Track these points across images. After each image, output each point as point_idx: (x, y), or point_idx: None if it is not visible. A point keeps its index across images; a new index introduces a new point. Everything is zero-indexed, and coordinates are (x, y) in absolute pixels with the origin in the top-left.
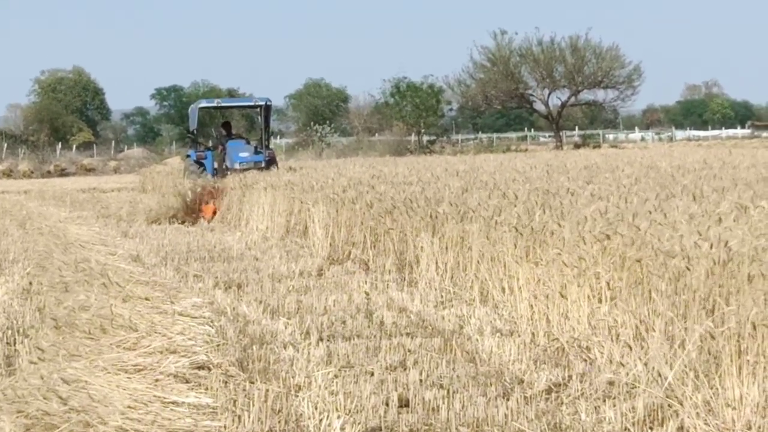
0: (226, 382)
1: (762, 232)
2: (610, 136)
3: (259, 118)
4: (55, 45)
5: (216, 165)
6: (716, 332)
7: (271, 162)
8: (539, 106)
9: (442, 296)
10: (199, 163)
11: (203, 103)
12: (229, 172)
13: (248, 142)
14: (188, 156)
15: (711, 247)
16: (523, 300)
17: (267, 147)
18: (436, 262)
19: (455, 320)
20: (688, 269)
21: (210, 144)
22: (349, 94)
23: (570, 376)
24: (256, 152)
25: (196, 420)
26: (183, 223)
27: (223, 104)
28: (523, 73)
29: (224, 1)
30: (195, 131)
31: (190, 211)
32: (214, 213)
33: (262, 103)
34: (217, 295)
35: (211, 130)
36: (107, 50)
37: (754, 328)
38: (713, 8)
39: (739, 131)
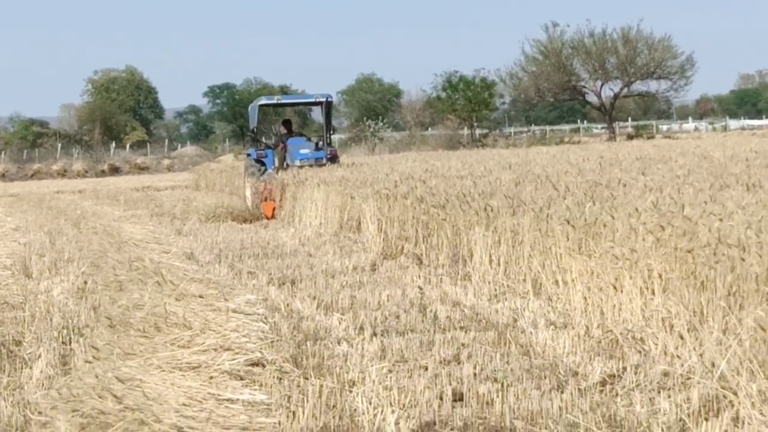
0: (280, 379)
1: None
2: (664, 127)
3: (321, 114)
4: (108, 45)
5: (277, 163)
6: (766, 322)
7: (333, 159)
8: (592, 98)
9: (495, 289)
10: (260, 161)
11: (263, 101)
12: (289, 170)
13: (309, 140)
14: (248, 155)
15: (766, 238)
16: (576, 292)
17: (329, 144)
18: (489, 256)
19: (509, 313)
20: (743, 259)
21: (271, 142)
22: (401, 88)
23: (624, 368)
24: (318, 149)
25: (251, 417)
26: (244, 222)
27: (284, 101)
28: (575, 65)
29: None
30: (255, 129)
31: (250, 211)
32: (275, 210)
33: (324, 99)
34: (270, 291)
35: (271, 127)
36: (160, 49)
37: None
38: None
39: None
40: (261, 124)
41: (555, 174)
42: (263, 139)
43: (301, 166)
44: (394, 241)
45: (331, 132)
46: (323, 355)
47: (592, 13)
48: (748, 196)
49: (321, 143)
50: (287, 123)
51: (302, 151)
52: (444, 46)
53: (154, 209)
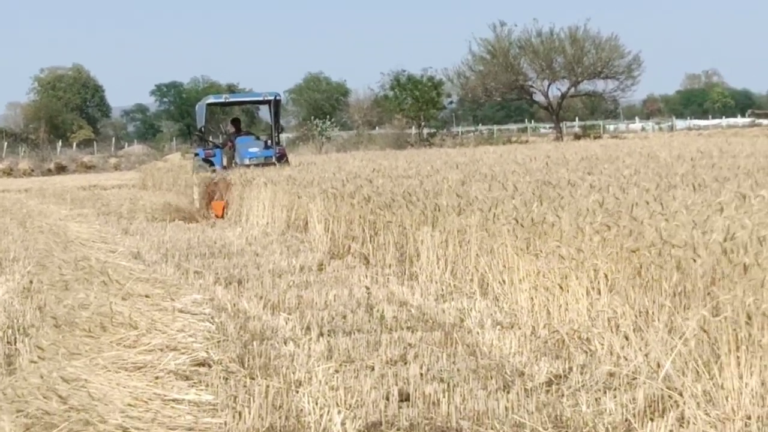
0: (226, 379)
1: (762, 221)
2: (611, 127)
3: (269, 113)
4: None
5: (225, 162)
6: (712, 322)
7: (281, 157)
8: (539, 98)
9: (442, 289)
10: (208, 161)
11: (211, 99)
12: (238, 169)
13: (258, 138)
14: (196, 154)
15: (712, 238)
16: (523, 292)
17: (277, 143)
18: (436, 256)
19: (456, 313)
20: (693, 260)
21: (219, 141)
22: (349, 87)
23: (570, 368)
24: (266, 148)
25: (197, 417)
26: (192, 221)
27: (232, 99)
28: (522, 64)
29: None
30: (203, 128)
31: (199, 210)
32: (224, 209)
33: (272, 97)
34: (217, 291)
35: (219, 126)
36: (106, 47)
37: (749, 318)
38: None
39: (739, 120)
40: (209, 123)
41: (502, 173)
42: (211, 139)
43: (249, 165)
44: (341, 241)
45: (280, 131)
46: (270, 355)
47: (539, 12)
48: (693, 196)
49: (270, 142)
50: (236, 122)
51: (251, 150)
52: (391, 44)
53: (100, 208)
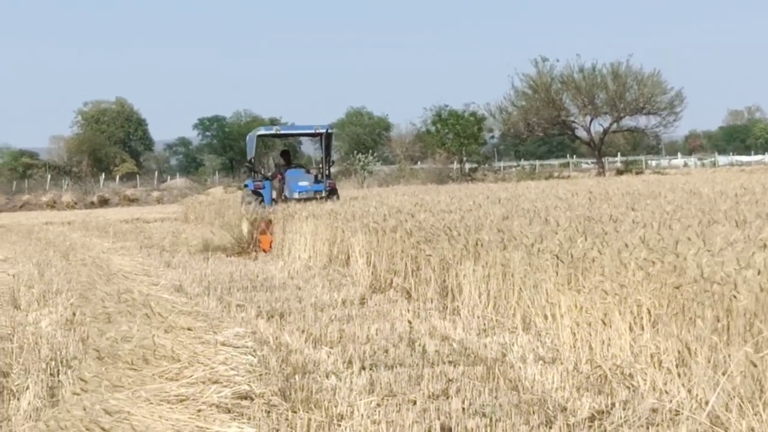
0: (268, 412)
1: None
2: (653, 162)
3: (315, 146)
4: (98, 76)
5: (274, 195)
6: (756, 358)
7: (332, 192)
8: (581, 133)
9: (484, 324)
10: (257, 193)
11: (262, 131)
12: (288, 202)
13: (308, 171)
14: (246, 186)
15: (757, 273)
16: (565, 327)
17: (328, 176)
18: (479, 290)
19: (498, 348)
20: (735, 297)
21: (268, 173)
22: (391, 122)
23: (613, 404)
24: (317, 181)
25: None
26: (239, 255)
27: (283, 132)
28: (564, 99)
29: (267, 33)
30: (253, 160)
31: (247, 244)
32: (271, 243)
33: (323, 130)
34: (259, 324)
35: (269, 158)
36: (150, 81)
37: None
38: (754, 33)
39: None
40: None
41: (545, 209)
42: (261, 171)
43: (299, 199)
44: (383, 275)
45: (330, 164)
46: (312, 389)
47: (582, 48)
48: (736, 233)
49: (320, 175)
50: (286, 154)
51: (301, 184)
52: (434, 79)
53: (143, 241)
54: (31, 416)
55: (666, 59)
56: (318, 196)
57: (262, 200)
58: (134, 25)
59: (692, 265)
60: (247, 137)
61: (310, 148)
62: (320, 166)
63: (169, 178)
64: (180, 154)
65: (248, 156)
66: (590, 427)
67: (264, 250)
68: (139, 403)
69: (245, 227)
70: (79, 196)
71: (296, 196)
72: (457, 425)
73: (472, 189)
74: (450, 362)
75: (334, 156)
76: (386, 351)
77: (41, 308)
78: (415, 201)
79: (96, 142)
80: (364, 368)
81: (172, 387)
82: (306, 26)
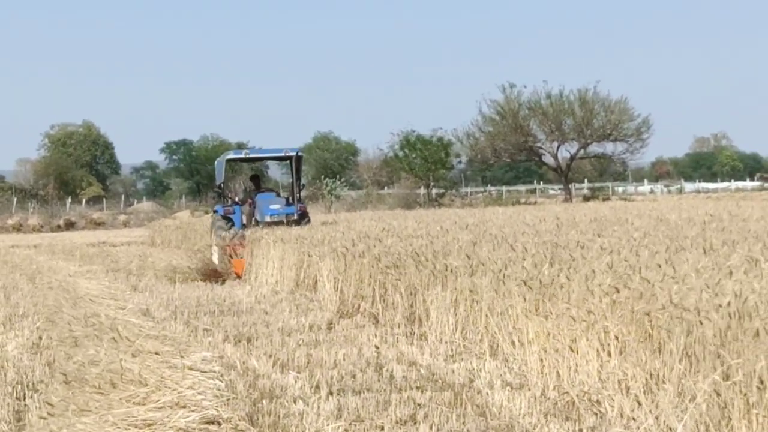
0: None
1: None
2: (620, 189)
3: (290, 169)
4: (64, 100)
5: (245, 220)
6: (723, 386)
7: (303, 215)
8: (548, 159)
9: (452, 350)
10: (227, 218)
11: (231, 155)
12: (259, 227)
13: (278, 195)
14: (215, 211)
15: (723, 302)
16: (532, 353)
17: (299, 200)
18: (446, 316)
19: (465, 374)
20: (701, 323)
21: (238, 198)
22: (358, 147)
23: (581, 430)
24: (288, 204)
25: None
26: (208, 281)
27: (252, 155)
28: (531, 125)
29: (234, 57)
30: (222, 185)
31: (218, 272)
32: (244, 268)
33: (293, 153)
34: (226, 349)
35: (239, 183)
36: (117, 105)
37: (762, 382)
38: (721, 62)
39: (748, 183)
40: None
41: (512, 234)
42: (230, 195)
43: (271, 223)
44: (350, 300)
45: (301, 187)
46: (279, 414)
47: (549, 74)
48: (704, 259)
49: (291, 199)
50: (255, 178)
51: (272, 207)
52: (401, 105)
53: (110, 265)
54: None
55: (633, 86)
56: (289, 220)
57: (233, 225)
58: (102, 48)
59: (660, 292)
60: (216, 162)
61: (276, 173)
62: (291, 189)
63: (135, 201)
64: (147, 178)
65: (217, 181)
66: None
67: (237, 275)
68: (107, 427)
69: (216, 254)
70: (46, 220)
71: (267, 219)
72: None
73: (440, 214)
74: (417, 388)
75: (302, 180)
76: (354, 376)
77: (7, 331)
78: (382, 226)
79: (63, 165)
80: (331, 393)
81: (140, 411)
82: (273, 51)
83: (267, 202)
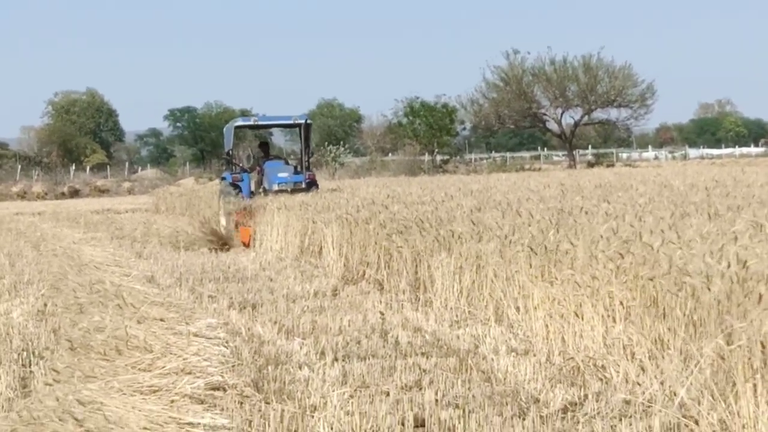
0: (241, 403)
1: None
2: (624, 155)
3: (299, 137)
4: (69, 67)
5: (253, 187)
6: (727, 350)
7: (311, 183)
8: (552, 125)
9: (457, 316)
10: (235, 185)
11: (240, 122)
12: (267, 195)
13: (287, 163)
14: (223, 178)
15: (728, 266)
16: (538, 319)
17: (308, 168)
18: (451, 282)
19: (470, 340)
20: (709, 289)
21: (247, 165)
22: (362, 114)
23: (585, 396)
24: (296, 173)
25: None
26: (216, 249)
27: (261, 122)
28: (536, 92)
29: (237, 23)
30: (231, 152)
31: (224, 238)
32: (251, 237)
33: (302, 121)
34: (231, 315)
35: (248, 150)
36: (121, 72)
37: (764, 346)
38: (726, 27)
39: (752, 149)
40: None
41: (516, 201)
42: (239, 162)
43: (279, 191)
44: (355, 267)
45: (310, 155)
46: (284, 380)
47: (553, 40)
48: (708, 225)
49: (299, 167)
50: (264, 145)
51: (281, 175)
52: (405, 71)
53: (114, 232)
54: (3, 407)
55: (637, 52)
56: (298, 188)
57: (240, 192)
58: (106, 15)
59: (665, 258)
60: (225, 128)
61: (280, 140)
62: (300, 157)
63: (139, 169)
64: (151, 145)
65: (226, 148)
66: (563, 418)
67: (244, 243)
68: (112, 393)
69: (223, 221)
70: (50, 187)
71: (275, 187)
72: (431, 417)
73: (444, 181)
74: (423, 354)
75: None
76: (359, 342)
77: (12, 299)
78: (386, 193)
79: (66, 133)
80: (336, 359)
81: (145, 378)
82: (277, 17)
83: (275, 170)
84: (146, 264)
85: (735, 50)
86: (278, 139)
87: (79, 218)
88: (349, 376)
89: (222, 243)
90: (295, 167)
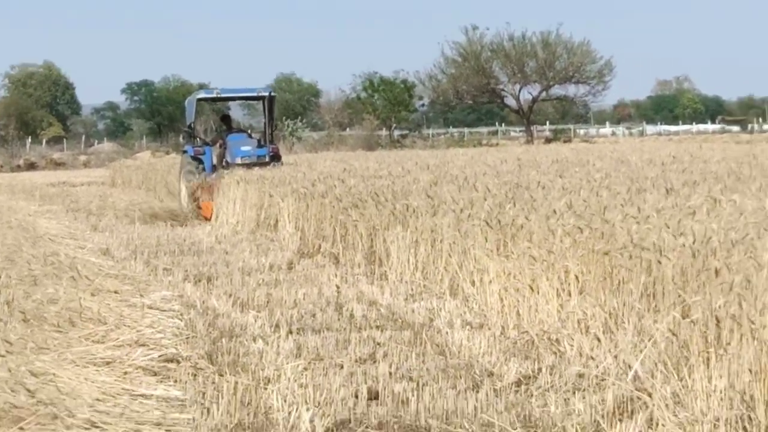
0: (195, 375)
1: (732, 225)
2: (581, 131)
3: (263, 109)
4: (25, 40)
5: (215, 161)
6: (682, 324)
7: (275, 157)
8: (510, 101)
9: (412, 289)
10: (197, 159)
11: (202, 94)
12: (229, 168)
13: (250, 136)
14: (185, 152)
15: (684, 241)
16: (493, 293)
17: (271, 141)
18: (407, 256)
19: (425, 313)
20: (660, 262)
21: (208, 138)
22: (320, 89)
23: (540, 369)
24: (260, 146)
25: (165, 412)
26: (174, 223)
27: (223, 95)
28: (494, 68)
29: None
30: (192, 125)
31: (186, 211)
32: (212, 211)
33: (266, 93)
34: (186, 288)
35: (210, 123)
36: (78, 45)
37: (718, 320)
38: (685, 4)
39: (709, 126)
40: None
41: (474, 175)
42: (201, 136)
43: (242, 165)
44: (311, 240)
45: (274, 128)
46: (239, 353)
47: (511, 16)
48: (664, 200)
49: (263, 140)
50: (226, 119)
51: (243, 149)
52: (363, 46)
53: (69, 205)
54: None
55: (596, 29)
56: (261, 161)
57: (203, 166)
58: None
59: (621, 232)
60: (186, 101)
61: (239, 113)
62: (264, 130)
63: (96, 142)
64: (107, 119)
65: (187, 121)
66: (517, 391)
67: (206, 218)
68: (65, 365)
69: (184, 196)
70: (6, 160)
71: (238, 161)
72: (384, 389)
73: (401, 155)
74: (377, 327)
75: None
76: (313, 315)
77: None
78: (343, 167)
79: (23, 106)
80: (291, 332)
81: (99, 349)
82: None
83: (238, 143)
84: (101, 237)
85: (693, 28)
86: (236, 113)
87: (35, 191)
88: (303, 348)
89: (181, 218)
90: (259, 141)
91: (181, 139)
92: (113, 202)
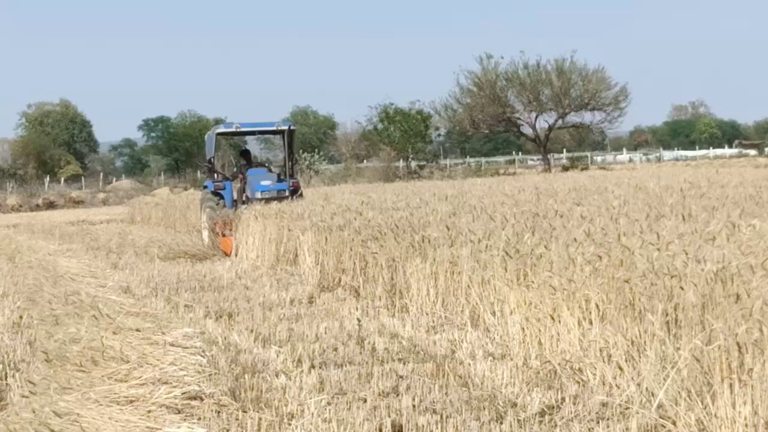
0: (218, 412)
1: (753, 250)
2: (598, 158)
3: (283, 143)
4: (42, 78)
5: (236, 196)
6: (704, 351)
7: (295, 191)
8: (526, 130)
9: (433, 321)
10: (217, 194)
11: (221, 129)
12: (250, 203)
13: (270, 170)
14: (205, 187)
15: (703, 268)
16: (514, 323)
17: (291, 175)
18: (427, 287)
19: (447, 345)
20: (681, 288)
21: (228, 173)
22: (336, 121)
23: (563, 399)
24: (280, 180)
25: None
26: (194, 259)
27: (243, 129)
28: (509, 96)
29: (209, 31)
30: (212, 159)
31: (203, 249)
32: (233, 247)
33: (286, 127)
34: (208, 324)
35: (230, 158)
36: (94, 83)
37: (740, 347)
38: (700, 29)
39: (726, 150)
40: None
41: (491, 205)
42: (221, 171)
43: (262, 199)
44: (331, 274)
45: (294, 162)
46: (261, 388)
47: (526, 45)
48: (683, 226)
49: (282, 174)
50: (246, 153)
51: (263, 183)
52: (378, 78)
53: (89, 243)
54: None
55: (610, 55)
56: (282, 196)
57: (223, 201)
58: (77, 25)
59: (641, 259)
60: (206, 136)
61: (255, 148)
62: (283, 164)
63: (114, 179)
64: (125, 156)
65: (207, 156)
66: (541, 422)
67: (226, 254)
68: (89, 404)
69: (205, 233)
70: (24, 199)
71: (258, 195)
72: (408, 422)
73: (419, 187)
74: (399, 360)
75: (280, 155)
76: (335, 349)
77: None
78: (362, 199)
79: (40, 145)
80: (313, 367)
81: (122, 388)
82: (249, 25)
83: (258, 177)
84: (122, 274)
85: (708, 52)
86: (252, 147)
87: (54, 230)
88: (326, 383)
89: (201, 254)
90: (279, 175)
91: (199, 174)
92: (133, 240)
